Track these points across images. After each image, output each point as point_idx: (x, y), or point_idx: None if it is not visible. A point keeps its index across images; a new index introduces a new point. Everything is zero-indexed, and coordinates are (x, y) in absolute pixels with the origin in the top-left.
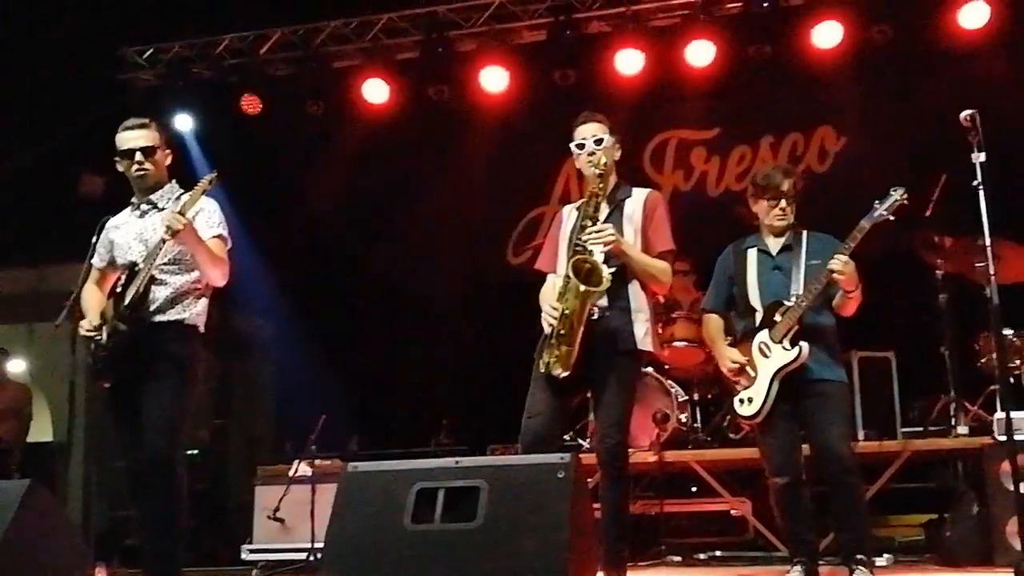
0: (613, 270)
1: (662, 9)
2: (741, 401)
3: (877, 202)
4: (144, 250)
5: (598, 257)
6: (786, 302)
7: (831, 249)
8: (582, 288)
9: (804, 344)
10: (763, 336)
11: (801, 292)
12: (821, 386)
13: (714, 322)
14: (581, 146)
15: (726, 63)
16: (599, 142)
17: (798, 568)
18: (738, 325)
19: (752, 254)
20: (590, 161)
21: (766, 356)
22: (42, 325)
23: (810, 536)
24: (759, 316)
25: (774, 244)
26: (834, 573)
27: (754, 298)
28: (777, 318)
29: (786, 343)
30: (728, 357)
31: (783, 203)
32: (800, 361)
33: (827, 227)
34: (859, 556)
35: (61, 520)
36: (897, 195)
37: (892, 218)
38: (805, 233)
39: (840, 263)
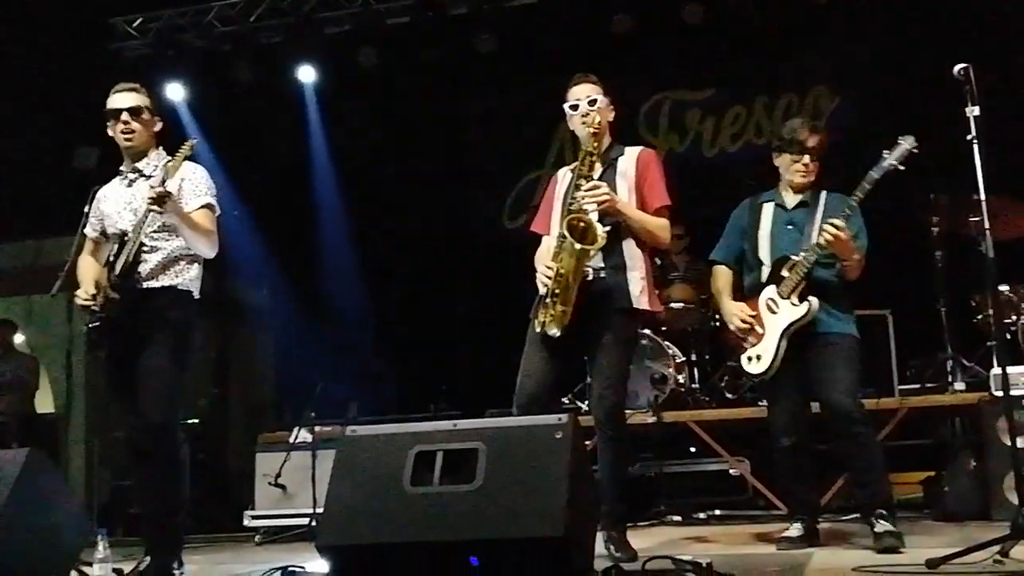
0: (608, 228)
1: None
2: (749, 359)
3: (886, 152)
4: (133, 219)
5: (592, 216)
6: (793, 257)
7: (843, 206)
8: (577, 246)
9: (813, 299)
10: (770, 291)
11: (806, 249)
12: (829, 339)
13: (722, 274)
14: (575, 107)
15: (720, 23)
16: (592, 102)
17: (797, 524)
18: (746, 280)
19: (768, 208)
20: (584, 122)
21: (774, 312)
22: (39, 298)
23: (811, 496)
24: (766, 271)
25: (791, 200)
26: (834, 529)
27: (763, 252)
28: (784, 273)
29: (794, 299)
30: (735, 313)
31: (806, 159)
32: (809, 317)
33: (823, 187)
34: (879, 510)
35: (62, 489)
36: (907, 144)
37: (902, 168)
38: (824, 193)
39: (829, 232)
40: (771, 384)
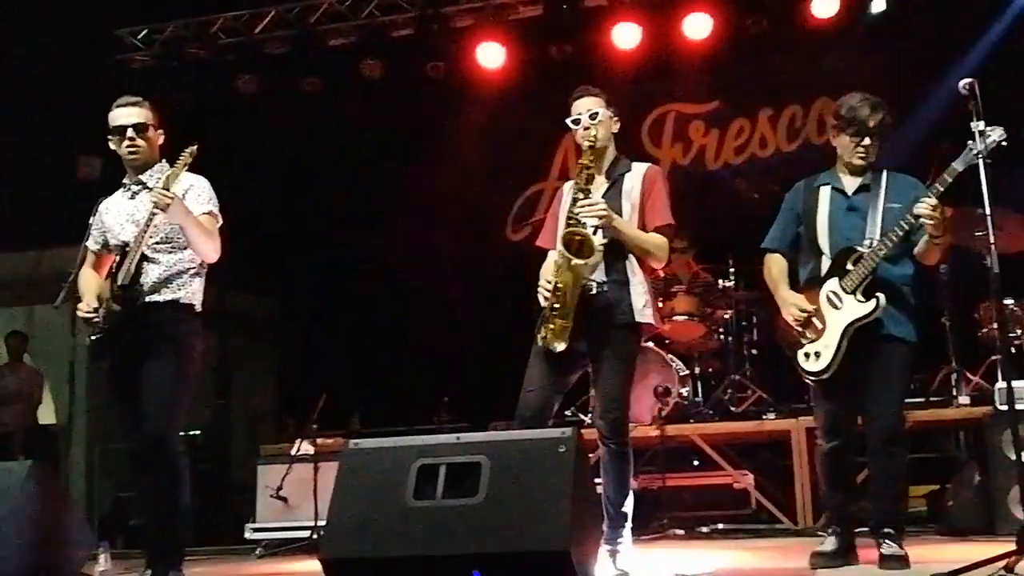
0: (605, 241)
1: None
2: (807, 356)
3: (971, 142)
4: (135, 231)
5: (589, 229)
6: (859, 247)
7: (912, 192)
8: (573, 261)
9: (881, 296)
10: (833, 285)
11: (878, 239)
12: (891, 346)
13: (777, 263)
14: (576, 121)
15: (723, 35)
16: (594, 116)
17: (832, 539)
18: (802, 270)
19: (825, 192)
20: (584, 136)
21: (836, 307)
22: (41, 308)
23: (850, 506)
24: (826, 261)
25: (850, 183)
26: (868, 545)
27: (823, 241)
28: (850, 266)
29: (859, 295)
30: (795, 304)
31: (867, 140)
32: (876, 315)
33: (883, 167)
34: (887, 529)
35: (64, 500)
36: (995, 135)
37: (989, 161)
38: (885, 172)
39: (928, 206)
40: (826, 384)
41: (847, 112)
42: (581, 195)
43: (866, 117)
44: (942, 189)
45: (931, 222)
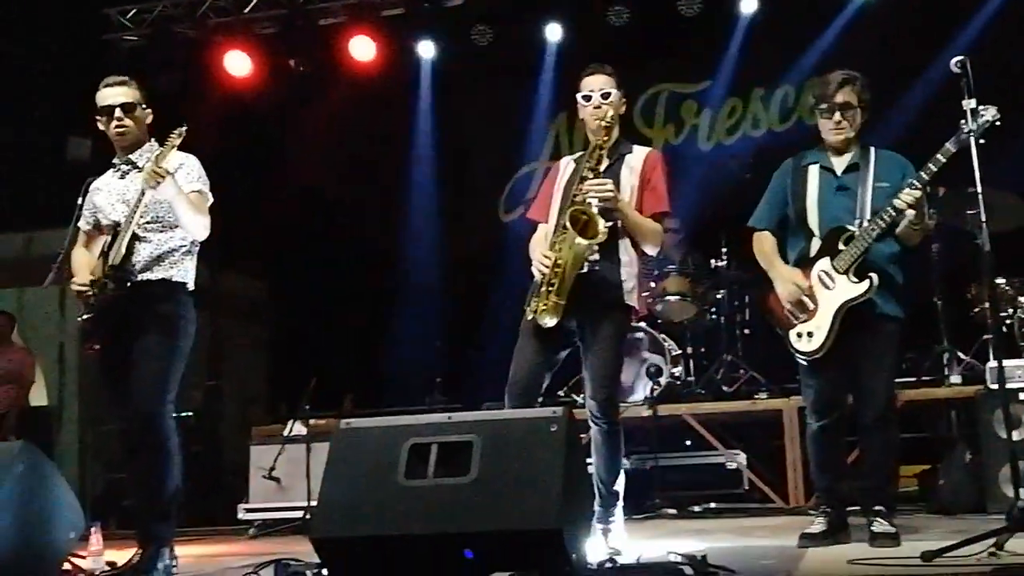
0: (610, 224)
1: None
2: (799, 335)
3: (963, 123)
4: (126, 211)
5: (595, 210)
6: (850, 227)
7: (900, 171)
8: (578, 239)
9: (874, 276)
10: (824, 264)
11: (868, 220)
12: (880, 323)
13: (767, 240)
14: (588, 98)
15: (717, 15)
16: (606, 95)
17: (821, 519)
18: (790, 251)
19: (814, 171)
20: (595, 115)
21: (827, 287)
22: (31, 290)
23: (838, 485)
24: (815, 241)
25: (839, 162)
26: (860, 523)
27: (813, 220)
28: (841, 246)
29: (852, 275)
30: (792, 280)
31: (836, 115)
32: (868, 295)
33: (871, 143)
34: (878, 507)
35: (57, 481)
36: (989, 114)
37: (983, 141)
38: (873, 150)
39: (910, 198)
40: (817, 363)
41: (818, 90)
42: (591, 174)
43: (832, 93)
44: (935, 169)
45: (911, 213)
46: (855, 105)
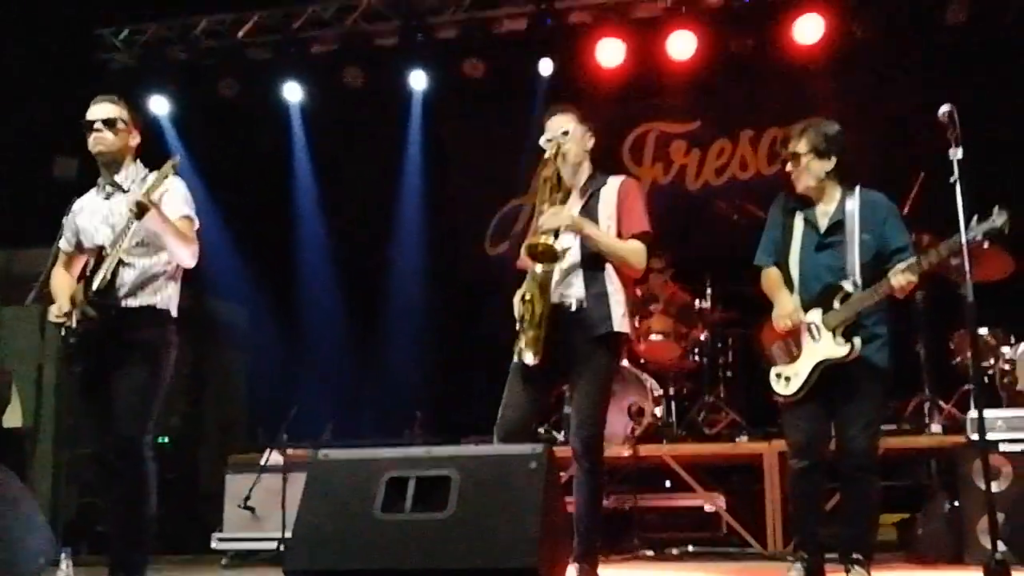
0: (567, 247)
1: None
2: (778, 376)
3: (975, 221)
4: (111, 234)
5: (548, 237)
6: (845, 285)
7: (883, 214)
8: (537, 268)
9: (857, 341)
10: (815, 316)
11: (864, 290)
12: (863, 371)
13: (773, 275)
14: (550, 141)
15: (707, 56)
16: (565, 134)
17: (798, 566)
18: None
19: (799, 224)
20: (548, 148)
21: (814, 339)
22: (9, 309)
23: (816, 531)
24: (797, 290)
25: (822, 214)
26: (837, 571)
27: (794, 273)
28: (836, 305)
29: (839, 335)
30: (789, 314)
31: (788, 166)
32: (850, 359)
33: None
34: (856, 555)
35: (27, 504)
36: (999, 221)
37: (986, 245)
38: (857, 196)
39: (905, 281)
40: (796, 404)
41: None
42: (545, 206)
43: (789, 142)
44: (935, 262)
45: (903, 295)
46: (804, 153)
